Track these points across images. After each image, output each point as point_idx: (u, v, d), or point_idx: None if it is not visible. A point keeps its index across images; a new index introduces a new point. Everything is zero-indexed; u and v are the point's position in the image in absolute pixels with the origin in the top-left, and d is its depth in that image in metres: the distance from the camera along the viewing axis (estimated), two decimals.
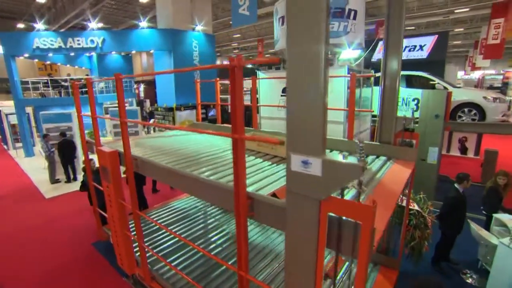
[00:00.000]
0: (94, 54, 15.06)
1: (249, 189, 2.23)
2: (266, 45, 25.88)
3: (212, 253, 4.04)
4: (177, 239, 4.59)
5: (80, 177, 8.98)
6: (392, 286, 3.70)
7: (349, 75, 4.36)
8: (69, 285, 4.43)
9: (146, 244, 3.83)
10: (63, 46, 11.05)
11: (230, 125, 5.62)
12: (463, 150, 10.45)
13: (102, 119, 12.24)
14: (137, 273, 3.98)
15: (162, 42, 11.55)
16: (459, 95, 6.64)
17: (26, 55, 12.12)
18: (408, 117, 3.37)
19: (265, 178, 2.86)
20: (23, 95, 12.39)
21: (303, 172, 1.62)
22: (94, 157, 4.88)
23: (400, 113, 3.74)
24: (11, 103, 12.55)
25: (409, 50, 10.02)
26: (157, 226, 4.92)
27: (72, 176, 8.93)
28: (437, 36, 9.77)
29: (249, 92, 5.19)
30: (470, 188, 4.37)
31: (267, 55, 32.66)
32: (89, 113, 4.09)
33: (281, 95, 5.78)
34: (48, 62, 20.97)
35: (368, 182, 2.66)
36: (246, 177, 2.15)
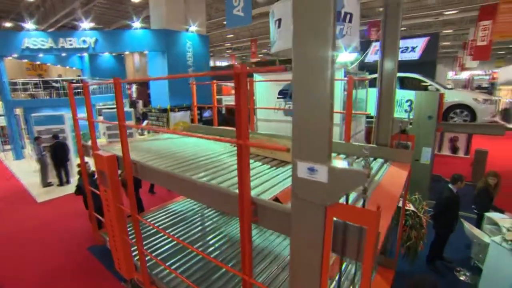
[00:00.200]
0: (86, 54, 14.83)
1: (251, 194, 2.24)
2: (259, 45, 25.91)
3: (211, 256, 4.05)
4: (174, 242, 4.57)
5: (73, 180, 8.85)
6: (389, 285, 3.77)
7: (345, 78, 4.41)
8: None
9: (144, 247, 3.80)
10: (54, 47, 10.83)
11: (227, 128, 5.59)
12: (454, 149, 10.69)
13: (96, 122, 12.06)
14: (136, 277, 3.95)
15: (156, 43, 11.45)
16: (451, 97, 6.80)
17: (15, 55, 11.85)
18: (405, 120, 3.43)
19: (265, 182, 2.88)
20: (11, 96, 12.11)
21: (309, 179, 1.64)
22: (88, 159, 4.82)
23: (394, 114, 3.80)
24: None
25: (402, 52, 10.20)
26: (154, 230, 4.89)
27: (65, 179, 8.78)
28: (428, 37, 9.97)
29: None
30: (462, 188, 4.49)
31: (260, 55, 32.69)
32: (84, 116, 4.04)
33: (278, 97, 5.81)
34: (38, 62, 20.54)
35: (367, 185, 2.70)
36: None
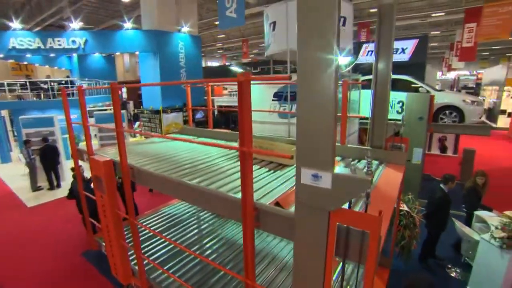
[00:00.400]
0: (75, 55, 14.53)
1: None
2: (250, 45, 25.94)
3: (208, 259, 4.05)
4: (170, 246, 4.54)
5: (64, 183, 8.67)
6: (384, 284, 3.85)
7: (340, 81, 4.48)
8: None
9: (141, 252, 3.77)
10: (42, 47, 10.57)
11: (222, 130, 5.57)
12: (443, 149, 10.99)
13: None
14: (133, 282, 3.92)
15: (148, 44, 11.32)
16: (441, 98, 6.99)
17: (1, 55, 11.51)
18: (399, 123, 3.52)
19: (264, 186, 2.91)
20: None
21: (313, 185, 1.68)
22: (82, 163, 4.74)
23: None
24: None
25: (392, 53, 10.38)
26: (149, 234, 4.84)
27: (55, 183, 8.59)
28: (418, 39, 10.20)
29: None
30: (453, 188, 4.63)
31: (251, 55, 32.69)
32: (76, 119, 3.97)
33: (273, 100, 5.85)
34: (25, 63, 20.00)
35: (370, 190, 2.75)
36: None
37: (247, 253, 2.18)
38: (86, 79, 15.40)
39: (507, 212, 4.51)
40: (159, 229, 5.14)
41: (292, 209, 2.11)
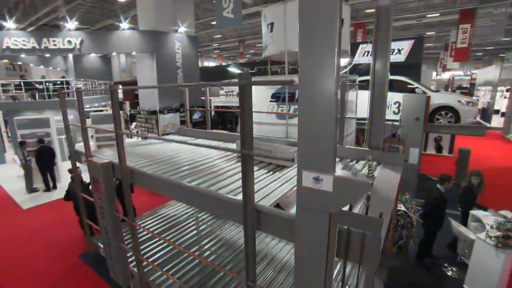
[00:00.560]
0: (70, 55, 14.39)
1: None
2: (247, 45, 25.91)
3: (207, 260, 4.05)
4: (169, 247, 4.53)
5: (60, 185, 8.59)
6: (383, 283, 3.89)
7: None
8: None
9: (141, 254, 3.76)
10: (37, 47, 10.45)
11: (219, 131, 5.55)
12: (439, 148, 11.11)
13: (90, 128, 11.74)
14: (132, 284, 3.91)
15: (144, 44, 11.26)
16: (437, 99, 7.07)
17: None
18: (396, 124, 3.56)
19: (264, 187, 2.91)
20: None
21: (314, 188, 1.69)
22: (79, 165, 4.71)
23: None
24: None
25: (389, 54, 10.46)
26: (147, 235, 4.83)
27: (51, 185, 8.51)
28: (413, 40, 10.30)
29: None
30: (450, 188, 4.68)
31: (248, 55, 32.67)
32: (71, 120, 3.95)
33: (271, 101, 5.86)
34: (19, 63, 19.78)
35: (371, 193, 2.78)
36: None
37: (248, 255, 2.19)
38: (82, 79, 15.26)
39: (502, 211, 4.58)
40: (157, 231, 5.12)
41: (293, 210, 2.13)
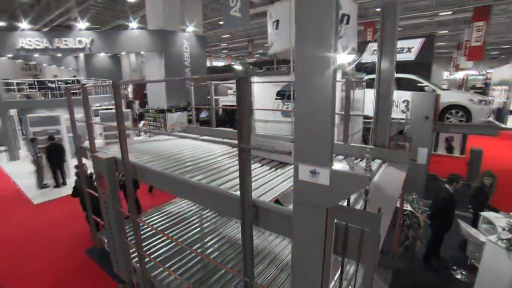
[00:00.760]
0: (81, 54, 14.70)
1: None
2: (255, 45, 25.94)
3: (210, 257, 4.04)
4: (172, 244, 4.55)
5: (69, 181, 8.77)
6: (388, 284, 3.81)
7: (343, 80, 4.44)
8: None
9: (143, 250, 3.79)
10: (50, 47, 10.72)
11: (224, 129, 5.57)
12: (450, 149, 10.83)
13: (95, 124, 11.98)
14: (135, 279, 3.94)
15: (153, 44, 11.40)
16: (447, 97, 6.88)
17: (10, 55, 11.71)
18: (402, 122, 3.47)
19: (265, 183, 2.89)
20: (6, 97, 11.96)
21: (311, 181, 1.66)
22: (86, 161, 4.79)
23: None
24: None
25: (398, 52, 10.27)
26: (151, 231, 4.86)
27: (61, 181, 8.70)
28: (424, 39, 10.07)
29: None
30: (459, 188, 4.55)
31: (256, 55, 32.69)
32: (81, 117, 4.01)
33: (276, 98, 5.82)
34: (33, 63, 20.35)
35: (369, 187, 2.73)
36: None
37: (246, 250, 2.17)
38: (93, 78, 15.57)
39: None
40: (162, 227, 5.15)
41: (291, 206, 2.10)
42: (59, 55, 13.15)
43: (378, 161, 3.59)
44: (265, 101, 6.04)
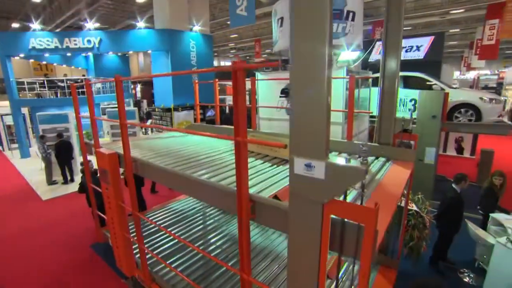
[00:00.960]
0: (90, 54, 14.96)
1: (250, 191, 2.23)
2: (263, 45, 25.91)
3: (212, 255, 4.04)
4: (176, 240, 4.58)
5: (77, 178, 8.93)
6: (391, 285, 3.73)
7: (347, 76, 4.38)
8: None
9: (145, 245, 3.82)
10: (60, 46, 10.96)
11: (229, 126, 5.59)
12: (459, 150, 10.57)
13: (99, 120, 12.20)
14: (137, 275, 3.97)
15: (160, 43, 11.52)
16: (456, 96, 6.71)
17: (22, 55, 12.01)
18: (407, 118, 3.39)
19: (265, 180, 2.87)
20: (18, 96, 12.28)
21: (306, 175, 1.63)
22: (91, 158, 4.86)
23: (397, 114, 3.77)
24: (6, 103, 12.43)
25: (406, 51, 10.09)
26: (156, 228, 4.91)
27: (69, 177, 8.87)
28: (433, 37, 9.86)
29: (249, 92, 5.22)
30: (466, 188, 4.42)
31: (264, 55, 32.69)
32: (87, 114, 4.07)
33: (280, 96, 5.80)
34: (44, 62, 20.81)
35: (368, 184, 2.68)
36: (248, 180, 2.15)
37: (242, 245, 2.15)
38: (101, 78, 15.84)
39: None
40: (165, 224, 5.19)
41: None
42: (68, 54, 13.39)
43: (382, 159, 3.52)
44: (270, 99, 6.02)
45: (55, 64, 19.31)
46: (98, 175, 4.08)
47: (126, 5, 17.03)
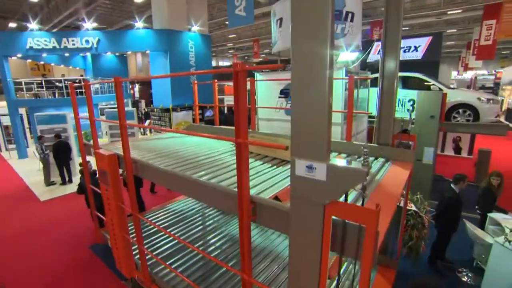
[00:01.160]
0: (88, 54, 14.90)
1: (251, 192, 2.24)
2: (261, 45, 25.90)
3: (211, 255, 4.05)
4: (175, 241, 4.57)
5: (75, 179, 8.90)
6: (390, 285, 3.75)
7: (347, 77, 4.39)
8: None
9: (144, 246, 3.81)
10: (57, 47, 10.91)
11: (228, 127, 5.59)
12: (457, 149, 10.63)
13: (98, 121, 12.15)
14: (136, 276, 3.97)
15: (158, 43, 11.49)
16: (454, 96, 6.75)
17: (19, 55, 11.94)
18: (406, 119, 3.41)
19: (265, 180, 2.87)
20: (16, 96, 12.21)
21: (308, 177, 1.64)
22: (90, 159, 4.84)
23: (396, 114, 3.79)
24: (3, 104, 12.35)
25: (404, 51, 10.14)
26: (155, 229, 4.90)
27: (67, 178, 8.83)
28: (431, 37, 9.91)
29: (248, 93, 5.21)
30: (465, 188, 4.45)
31: (262, 55, 32.68)
32: (86, 115, 4.06)
33: (279, 97, 5.80)
34: (42, 62, 20.69)
35: (368, 184, 2.69)
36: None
37: (244, 246, 2.16)
38: (100, 78, 15.79)
39: None
40: (164, 225, 5.19)
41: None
42: (66, 54, 13.32)
43: (381, 160, 3.54)
44: (269, 100, 6.02)
45: (52, 64, 19.21)
46: (97, 176, 4.07)
47: (124, 5, 16.95)
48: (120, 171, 3.72)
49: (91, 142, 4.20)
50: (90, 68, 16.92)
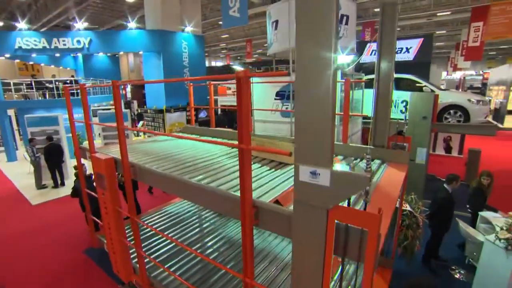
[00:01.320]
0: (80, 54, 14.65)
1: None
2: (254, 45, 25.93)
3: (209, 258, 4.04)
4: (172, 244, 4.55)
5: (68, 182, 8.75)
6: (387, 284, 3.82)
7: (343, 80, 4.45)
8: None
9: (142, 250, 3.78)
10: (48, 47, 10.70)
11: (223, 129, 5.58)
12: (448, 149, 10.87)
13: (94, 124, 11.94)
14: (134, 280, 3.94)
15: (151, 43, 11.39)
16: (445, 98, 6.91)
17: (7, 55, 11.67)
18: (401, 121, 3.48)
19: (265, 184, 2.89)
20: (4, 97, 11.91)
21: (311, 182, 1.66)
22: (84, 162, 4.78)
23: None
24: None
25: (396, 52, 10.30)
26: (152, 232, 4.86)
27: (59, 181, 8.67)
28: (422, 38, 10.10)
29: None
30: (457, 188, 4.56)
31: (255, 55, 32.68)
32: (80, 118, 4.00)
33: (275, 99, 5.83)
34: (31, 62, 20.24)
35: (369, 188, 2.73)
36: None
37: (246, 251, 2.17)
38: (91, 78, 15.53)
39: None
40: (161, 228, 5.15)
41: (292, 207, 2.10)
42: (57, 55, 13.07)
43: (377, 161, 3.59)
44: (264, 102, 6.04)
45: (42, 64, 18.82)
46: (93, 179, 4.02)
47: (115, 4, 16.73)
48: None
49: (86, 145, 4.14)
50: (81, 68, 16.64)
